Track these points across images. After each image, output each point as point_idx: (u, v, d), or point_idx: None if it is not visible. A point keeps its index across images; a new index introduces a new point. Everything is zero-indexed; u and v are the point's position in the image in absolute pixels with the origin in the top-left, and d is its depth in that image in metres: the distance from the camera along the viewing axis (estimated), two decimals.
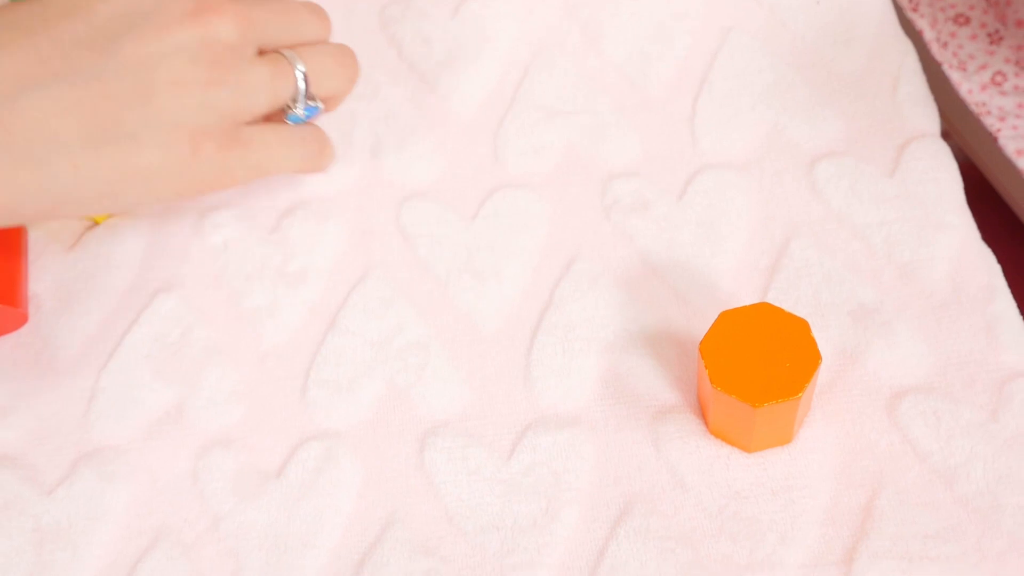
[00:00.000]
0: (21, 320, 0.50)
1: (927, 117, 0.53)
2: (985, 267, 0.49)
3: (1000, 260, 0.49)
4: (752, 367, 0.41)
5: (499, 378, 0.48)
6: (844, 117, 0.54)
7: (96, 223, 0.53)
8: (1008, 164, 0.57)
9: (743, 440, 0.44)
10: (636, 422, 0.46)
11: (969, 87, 0.59)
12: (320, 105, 0.49)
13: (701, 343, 0.42)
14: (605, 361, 0.47)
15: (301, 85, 0.46)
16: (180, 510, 0.46)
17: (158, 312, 0.50)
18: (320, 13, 0.49)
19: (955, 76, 0.59)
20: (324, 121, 0.54)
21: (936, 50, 0.60)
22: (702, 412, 0.45)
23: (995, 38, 0.59)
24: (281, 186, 0.54)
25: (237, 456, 0.47)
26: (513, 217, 0.52)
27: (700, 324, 0.48)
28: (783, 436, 0.44)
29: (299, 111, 0.47)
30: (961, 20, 0.60)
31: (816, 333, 0.47)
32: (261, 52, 0.46)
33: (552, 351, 0.48)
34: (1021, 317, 0.47)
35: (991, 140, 0.58)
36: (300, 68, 0.46)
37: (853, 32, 0.57)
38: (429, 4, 0.59)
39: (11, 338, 0.50)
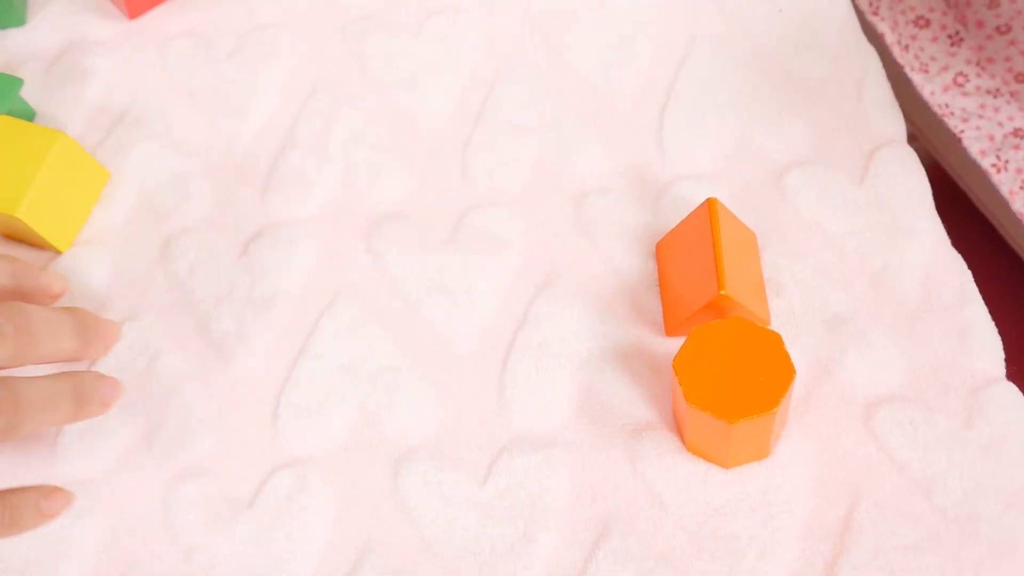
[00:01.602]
0: None
1: (893, 123, 0.53)
2: (956, 273, 0.49)
3: (970, 264, 0.49)
4: (726, 383, 0.41)
5: (472, 399, 0.47)
6: (811, 124, 0.54)
7: (59, 252, 0.52)
8: (973, 165, 0.57)
9: (720, 456, 0.44)
10: (612, 441, 0.45)
11: (931, 89, 0.59)
12: None
13: (675, 359, 0.42)
14: (580, 379, 0.47)
15: None
16: (151, 543, 0.45)
17: (124, 341, 0.49)
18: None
19: (917, 79, 0.59)
20: (292, 160, 0.53)
21: (898, 53, 0.60)
22: (678, 429, 0.45)
23: (956, 39, 0.59)
24: (248, 210, 0.53)
25: (208, 486, 0.46)
26: (485, 235, 0.51)
27: (675, 340, 0.47)
28: (760, 451, 0.44)
29: None
30: (922, 23, 0.60)
31: (790, 343, 0.46)
32: None
33: (526, 370, 0.47)
34: (993, 322, 0.47)
35: (955, 141, 0.58)
36: None
37: (816, 38, 0.57)
38: (392, 21, 0.59)
39: None
